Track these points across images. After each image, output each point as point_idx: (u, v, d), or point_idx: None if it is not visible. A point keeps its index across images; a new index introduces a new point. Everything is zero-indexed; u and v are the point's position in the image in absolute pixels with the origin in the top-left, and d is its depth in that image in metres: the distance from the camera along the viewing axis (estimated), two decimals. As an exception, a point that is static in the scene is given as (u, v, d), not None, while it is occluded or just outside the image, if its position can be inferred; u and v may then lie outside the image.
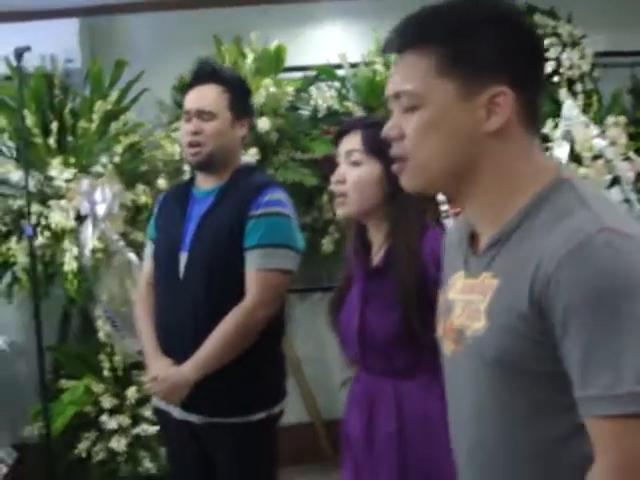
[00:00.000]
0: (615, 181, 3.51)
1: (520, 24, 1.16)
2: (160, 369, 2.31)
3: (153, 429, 3.34)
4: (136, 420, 3.40)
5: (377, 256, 1.94)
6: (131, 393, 3.37)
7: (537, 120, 1.18)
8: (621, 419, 0.99)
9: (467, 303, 1.19)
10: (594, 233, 1.01)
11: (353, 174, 1.90)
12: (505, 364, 1.11)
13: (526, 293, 1.06)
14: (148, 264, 2.52)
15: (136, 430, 3.37)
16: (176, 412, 2.36)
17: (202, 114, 2.33)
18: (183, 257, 2.33)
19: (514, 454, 1.15)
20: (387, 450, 1.87)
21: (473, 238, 1.25)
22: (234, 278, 2.28)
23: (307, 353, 4.02)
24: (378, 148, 1.83)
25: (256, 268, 2.27)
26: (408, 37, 1.15)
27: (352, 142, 1.92)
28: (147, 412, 3.38)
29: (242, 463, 2.34)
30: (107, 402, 3.36)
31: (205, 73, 2.39)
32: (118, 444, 3.34)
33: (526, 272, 1.07)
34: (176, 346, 2.32)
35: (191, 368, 2.26)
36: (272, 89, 3.51)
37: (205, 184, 2.40)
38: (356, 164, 1.91)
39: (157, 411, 2.51)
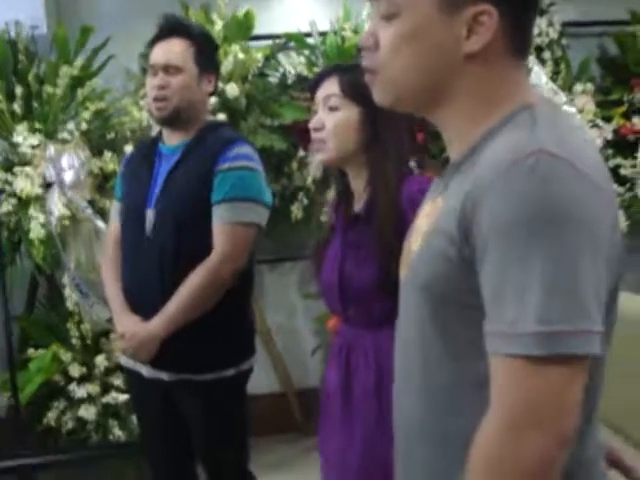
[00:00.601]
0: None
1: None
2: (128, 326, 2.29)
3: (123, 397, 3.32)
4: (105, 389, 3.36)
5: (357, 204, 1.92)
6: (100, 361, 3.33)
7: (526, 44, 1.10)
8: (520, 360, 0.91)
9: (418, 227, 1.15)
10: (525, 155, 0.93)
11: (331, 120, 1.87)
12: (433, 290, 1.05)
13: (457, 215, 0.99)
14: (115, 223, 2.49)
15: (106, 399, 3.33)
16: (145, 370, 2.34)
17: (168, 68, 2.30)
18: (150, 214, 2.31)
19: (434, 392, 1.09)
20: (365, 403, 1.85)
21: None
22: (202, 233, 2.26)
23: (278, 323, 4.02)
24: (356, 92, 1.82)
25: (222, 222, 2.25)
26: None
27: (329, 87, 1.89)
28: (116, 380, 3.35)
29: (213, 419, 2.34)
30: (76, 371, 3.32)
31: (171, 27, 2.36)
32: (87, 413, 3.30)
33: (461, 192, 1.00)
34: (145, 303, 2.30)
35: (159, 324, 2.24)
36: (240, 55, 3.48)
37: (171, 140, 2.38)
38: (334, 109, 1.87)
39: (126, 371, 2.49)
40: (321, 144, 1.89)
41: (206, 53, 2.38)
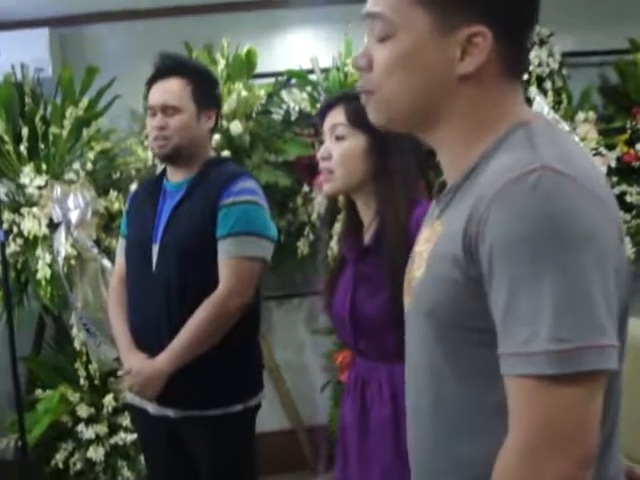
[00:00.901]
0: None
1: None
2: (134, 363, 2.28)
3: (131, 437, 3.31)
4: (113, 429, 3.36)
5: (367, 235, 1.90)
6: (108, 401, 3.33)
7: (521, 66, 1.09)
8: (534, 380, 0.90)
9: (419, 253, 1.13)
10: (527, 172, 0.91)
11: (338, 149, 1.86)
12: (439, 315, 1.04)
13: (460, 236, 0.98)
14: (120, 260, 2.49)
15: (114, 439, 3.33)
16: (151, 408, 2.32)
17: (166, 109, 2.31)
18: (155, 250, 2.31)
19: (447, 417, 1.07)
20: (381, 437, 1.81)
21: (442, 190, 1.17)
22: (207, 268, 2.26)
23: (286, 359, 3.99)
24: (362, 121, 1.72)
25: (228, 256, 2.25)
26: None
27: (336, 117, 1.88)
28: (124, 421, 3.35)
29: (220, 456, 2.31)
30: (83, 411, 3.31)
31: (167, 67, 2.37)
32: (96, 454, 3.30)
33: (463, 215, 0.99)
34: (152, 340, 2.29)
35: (165, 360, 2.23)
36: (244, 93, 3.52)
37: (175, 177, 2.39)
38: (341, 138, 1.86)
39: (132, 409, 2.48)
40: (328, 174, 1.87)
41: (204, 90, 2.39)
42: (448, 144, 1.10)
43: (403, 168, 1.84)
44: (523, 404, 0.92)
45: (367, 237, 1.89)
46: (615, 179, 3.63)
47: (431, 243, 1.08)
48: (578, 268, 0.89)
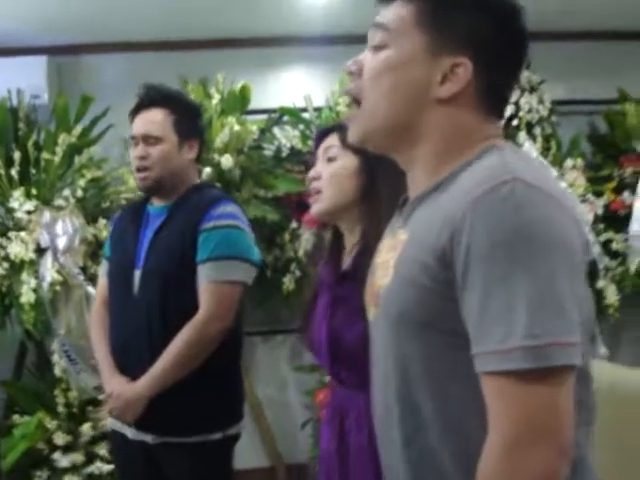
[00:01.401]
0: (574, 222, 3.56)
1: (505, 18, 1.13)
2: (115, 386, 2.27)
3: (107, 467, 3.27)
4: (90, 458, 3.32)
5: (347, 260, 1.89)
6: (85, 430, 3.30)
7: (500, 105, 1.18)
8: (512, 377, 0.95)
9: (384, 262, 1.17)
10: (501, 182, 0.98)
11: (329, 169, 1.87)
12: (408, 319, 1.08)
13: (431, 243, 1.03)
14: (103, 282, 2.50)
15: (90, 468, 3.29)
16: (130, 432, 2.31)
17: (148, 138, 2.34)
18: (137, 274, 2.32)
19: (418, 420, 1.10)
20: (360, 463, 1.78)
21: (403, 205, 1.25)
22: (188, 292, 2.27)
23: (268, 395, 3.97)
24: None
25: (208, 280, 2.25)
26: None
27: (330, 141, 1.90)
28: (101, 450, 3.32)
29: None
30: (60, 439, 3.28)
31: (150, 97, 2.40)
32: (71, 483, 3.25)
33: (433, 223, 1.05)
34: (133, 363, 2.29)
35: (145, 384, 2.22)
36: (236, 128, 3.56)
37: (158, 202, 2.41)
38: (332, 159, 1.87)
39: (112, 433, 2.46)
40: (317, 194, 1.87)
41: (186, 120, 2.41)
42: (421, 162, 1.16)
43: (391, 191, 1.81)
44: (501, 401, 0.97)
45: (347, 262, 1.88)
46: (602, 226, 3.66)
47: (396, 251, 1.13)
48: (549, 270, 0.96)
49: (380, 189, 1.82)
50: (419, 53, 1.12)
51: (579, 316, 0.98)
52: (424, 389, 1.08)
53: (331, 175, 1.86)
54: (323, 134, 1.95)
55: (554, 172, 3.54)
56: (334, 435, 1.86)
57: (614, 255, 3.65)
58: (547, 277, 0.95)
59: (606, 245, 3.64)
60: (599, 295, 3.60)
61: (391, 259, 1.14)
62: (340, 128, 1.89)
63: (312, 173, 1.90)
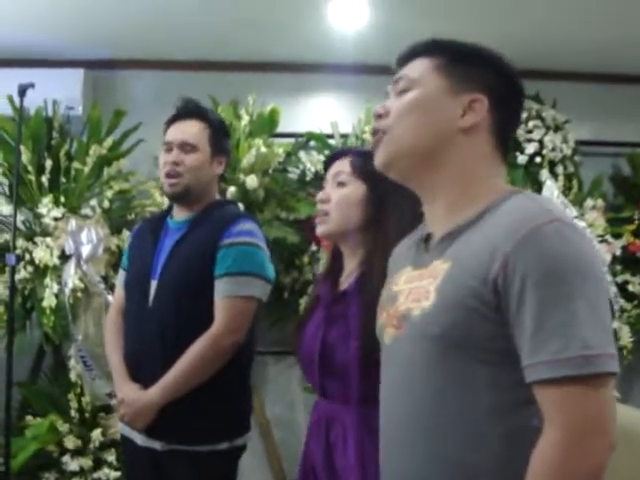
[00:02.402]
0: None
1: (509, 74, 1.36)
2: (127, 393, 2.33)
3: (114, 474, 3.33)
4: (98, 464, 3.37)
5: (346, 282, 1.93)
6: (95, 436, 3.35)
7: (506, 147, 1.35)
8: (568, 383, 1.10)
9: (414, 289, 1.31)
10: (546, 222, 1.16)
11: (337, 193, 1.92)
12: (449, 339, 1.21)
13: (481, 271, 1.18)
14: (120, 292, 2.56)
15: (97, 474, 3.34)
16: (139, 439, 2.35)
17: (185, 145, 2.41)
18: (153, 285, 2.37)
19: (448, 430, 1.22)
20: (349, 477, 1.81)
21: (427, 239, 1.37)
22: (203, 306, 2.32)
23: (276, 415, 4.00)
24: (365, 171, 1.88)
25: (223, 295, 2.31)
26: (420, 47, 1.36)
27: (340, 166, 1.95)
28: (110, 457, 3.37)
29: None
30: (70, 443, 3.34)
31: (188, 110, 2.49)
32: (78, 487, 3.31)
33: (480, 253, 1.20)
34: (146, 372, 2.34)
35: (157, 392, 2.28)
36: (263, 149, 3.64)
37: (179, 215, 2.47)
38: (342, 184, 1.92)
39: (122, 438, 2.50)
40: (324, 216, 1.93)
41: (219, 137, 2.50)
42: (443, 191, 1.32)
43: (397, 222, 1.87)
44: (558, 403, 1.12)
45: (345, 284, 1.93)
46: (619, 267, 3.67)
47: (436, 277, 1.26)
48: (594, 293, 1.14)
49: (386, 218, 1.88)
50: (441, 92, 1.30)
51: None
52: (454, 402, 1.22)
53: (339, 200, 1.91)
54: (334, 158, 2.00)
55: (574, 211, 3.58)
56: (320, 447, 1.88)
57: (630, 297, 3.65)
58: (593, 299, 1.13)
59: (622, 287, 3.64)
60: (614, 336, 3.59)
61: (429, 285, 1.27)
62: (352, 154, 1.97)
63: (321, 195, 1.96)
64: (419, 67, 1.33)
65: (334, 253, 2.03)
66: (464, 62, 1.32)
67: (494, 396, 1.19)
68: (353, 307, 1.85)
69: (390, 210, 1.88)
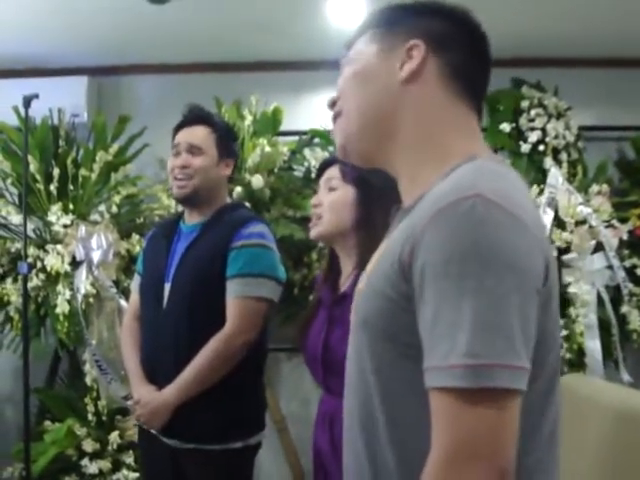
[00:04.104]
0: (599, 247, 3.59)
1: (451, 14, 1.20)
2: (143, 393, 2.39)
3: (133, 475, 3.37)
4: (117, 466, 3.41)
5: (345, 284, 2.03)
6: (113, 438, 3.40)
7: (472, 90, 1.19)
8: (452, 395, 0.93)
9: (367, 270, 1.23)
10: (462, 197, 0.97)
11: (329, 198, 2.04)
12: (371, 327, 1.09)
13: (396, 255, 1.03)
14: (135, 296, 2.62)
15: (116, 475, 3.38)
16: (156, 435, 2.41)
17: (192, 148, 2.48)
18: (167, 288, 2.43)
19: (370, 427, 1.11)
20: None
21: None
22: (216, 307, 2.37)
23: (292, 411, 4.03)
24: (353, 176, 2.01)
25: (235, 296, 2.36)
26: (359, 28, 1.26)
27: (331, 172, 2.08)
28: (128, 459, 3.41)
29: None
30: (89, 446, 3.39)
31: (195, 115, 2.56)
32: (98, 489, 3.36)
33: (400, 235, 1.06)
34: (161, 373, 2.40)
35: (172, 393, 2.34)
36: (267, 149, 3.66)
37: (191, 219, 2.52)
38: (333, 189, 2.04)
39: (139, 431, 2.57)
40: (317, 219, 2.05)
41: (225, 140, 2.56)
42: (404, 167, 1.19)
43: (385, 223, 1.95)
44: (442, 417, 0.95)
45: (345, 285, 2.02)
46: (626, 252, 3.67)
47: (375, 260, 1.18)
48: (499, 292, 0.94)
49: (375, 219, 1.95)
50: (374, 55, 1.20)
51: (530, 340, 0.97)
52: (378, 395, 1.10)
53: (331, 204, 2.03)
54: (325, 165, 2.13)
55: (579, 198, 3.59)
56: (327, 439, 2.00)
57: (638, 281, 3.64)
58: (496, 297, 0.93)
59: (631, 271, 3.64)
60: (623, 320, 3.61)
61: (370, 267, 1.20)
62: (341, 161, 2.04)
63: (314, 200, 2.09)
64: (357, 44, 1.24)
65: (331, 255, 2.12)
66: (397, 20, 1.20)
67: (415, 397, 1.02)
68: (350, 309, 1.91)
69: (379, 212, 1.95)
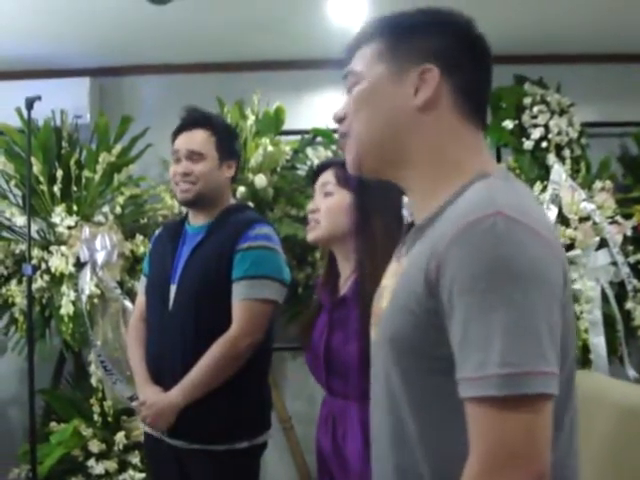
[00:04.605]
0: (603, 244, 3.59)
1: (461, 30, 1.21)
2: (149, 395, 2.39)
3: (139, 476, 3.37)
4: (123, 466, 3.42)
5: (344, 287, 2.05)
6: (119, 438, 3.40)
7: (479, 114, 1.22)
8: (487, 404, 0.98)
9: (385, 287, 1.25)
10: (484, 216, 1.02)
11: (326, 203, 2.06)
12: (398, 344, 1.13)
13: (422, 273, 1.07)
14: (141, 298, 2.62)
15: (123, 476, 3.39)
16: (162, 436, 2.41)
17: (192, 154, 2.46)
18: (173, 289, 2.43)
19: (402, 441, 1.15)
20: (360, 463, 1.91)
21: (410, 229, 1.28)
22: (222, 309, 2.37)
23: (297, 410, 4.03)
24: (348, 181, 2.02)
25: (241, 298, 2.36)
26: (360, 35, 1.26)
27: (326, 177, 2.09)
28: (134, 459, 3.41)
29: None
30: (95, 447, 3.39)
31: (193, 119, 2.54)
32: (104, 490, 3.36)
33: (423, 252, 1.09)
34: (166, 374, 2.40)
35: (177, 394, 2.34)
36: (270, 148, 3.67)
37: (197, 221, 2.52)
38: (329, 194, 2.06)
39: (145, 434, 2.56)
40: (314, 224, 2.07)
41: (226, 142, 2.54)
42: (417, 183, 1.21)
43: (384, 227, 1.97)
44: (479, 426, 0.99)
45: (345, 288, 2.04)
46: (630, 248, 3.67)
47: (397, 277, 1.19)
48: (527, 303, 0.99)
49: (373, 224, 1.97)
50: (386, 76, 1.19)
51: (557, 346, 1.02)
52: (409, 409, 1.13)
53: (328, 208, 2.05)
54: (320, 169, 2.14)
55: (583, 194, 3.59)
56: (329, 439, 2.02)
57: (642, 277, 3.65)
58: (524, 309, 0.99)
59: (635, 267, 3.64)
60: (627, 316, 3.61)
61: (391, 285, 1.21)
62: (335, 165, 2.09)
63: (311, 206, 2.11)
64: (362, 58, 1.22)
65: (330, 259, 2.14)
66: (406, 37, 1.19)
67: (446, 407, 1.07)
68: (352, 312, 1.96)
69: (376, 216, 1.98)
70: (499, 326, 0.98)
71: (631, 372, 3.55)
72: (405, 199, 1.99)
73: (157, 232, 2.77)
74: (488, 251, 1.00)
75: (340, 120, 1.27)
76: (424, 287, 1.07)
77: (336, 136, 3.88)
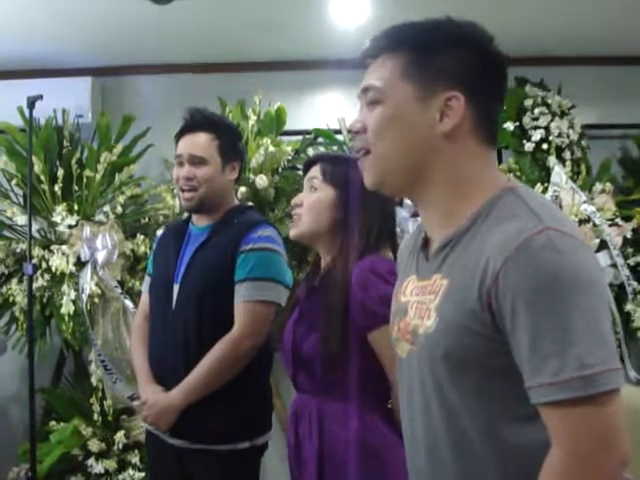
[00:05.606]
0: (603, 246, 3.59)
1: (484, 48, 1.24)
2: (150, 394, 2.39)
3: (139, 475, 3.38)
4: (122, 466, 3.43)
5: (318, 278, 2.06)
6: (119, 438, 3.41)
7: (493, 134, 1.27)
8: (568, 405, 1.05)
9: (419, 304, 1.26)
10: (536, 232, 1.09)
11: (309, 198, 2.05)
12: (454, 359, 1.18)
13: (475, 290, 1.13)
14: (145, 297, 2.62)
15: (122, 475, 3.39)
16: (163, 436, 2.41)
17: (194, 159, 2.45)
18: (176, 289, 2.43)
19: (465, 448, 1.20)
20: (310, 468, 1.94)
21: (426, 244, 1.33)
22: (224, 309, 2.37)
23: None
24: (334, 177, 2.02)
25: (244, 299, 2.36)
26: (383, 42, 1.26)
27: (313, 172, 2.08)
28: (134, 458, 3.42)
29: None
30: (95, 446, 3.40)
31: (196, 121, 2.52)
32: (104, 489, 3.37)
33: (474, 271, 1.14)
34: (168, 374, 2.40)
35: (178, 395, 2.34)
36: (271, 148, 3.67)
37: (200, 222, 2.52)
38: (314, 190, 2.05)
39: (146, 432, 2.56)
40: (297, 219, 2.07)
41: (229, 143, 2.53)
42: (438, 202, 1.26)
43: (365, 224, 1.98)
44: (563, 426, 1.07)
45: (316, 280, 2.05)
46: (630, 250, 3.67)
47: (436, 295, 1.22)
48: (590, 307, 1.08)
49: (354, 221, 1.98)
50: (412, 100, 1.22)
51: (615, 344, 1.11)
52: (469, 417, 1.19)
53: (311, 203, 2.04)
54: (310, 164, 2.13)
55: (583, 196, 3.59)
56: (292, 438, 2.02)
57: (642, 279, 3.65)
58: (590, 312, 1.07)
59: (634, 269, 3.65)
60: (627, 318, 3.62)
61: (430, 302, 1.23)
62: (322, 160, 2.09)
63: (296, 200, 2.10)
64: (384, 73, 1.23)
65: (317, 256, 2.15)
66: (430, 54, 1.22)
67: (502, 412, 1.16)
68: (316, 303, 1.98)
69: (358, 214, 1.99)
70: (569, 331, 1.05)
71: (632, 373, 3.56)
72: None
73: (161, 232, 2.77)
74: (547, 264, 1.07)
75: (357, 132, 1.27)
76: (479, 305, 1.13)
77: (338, 137, 3.90)
